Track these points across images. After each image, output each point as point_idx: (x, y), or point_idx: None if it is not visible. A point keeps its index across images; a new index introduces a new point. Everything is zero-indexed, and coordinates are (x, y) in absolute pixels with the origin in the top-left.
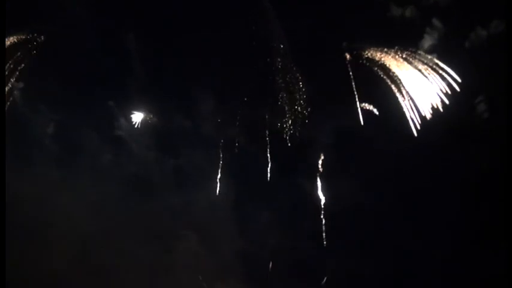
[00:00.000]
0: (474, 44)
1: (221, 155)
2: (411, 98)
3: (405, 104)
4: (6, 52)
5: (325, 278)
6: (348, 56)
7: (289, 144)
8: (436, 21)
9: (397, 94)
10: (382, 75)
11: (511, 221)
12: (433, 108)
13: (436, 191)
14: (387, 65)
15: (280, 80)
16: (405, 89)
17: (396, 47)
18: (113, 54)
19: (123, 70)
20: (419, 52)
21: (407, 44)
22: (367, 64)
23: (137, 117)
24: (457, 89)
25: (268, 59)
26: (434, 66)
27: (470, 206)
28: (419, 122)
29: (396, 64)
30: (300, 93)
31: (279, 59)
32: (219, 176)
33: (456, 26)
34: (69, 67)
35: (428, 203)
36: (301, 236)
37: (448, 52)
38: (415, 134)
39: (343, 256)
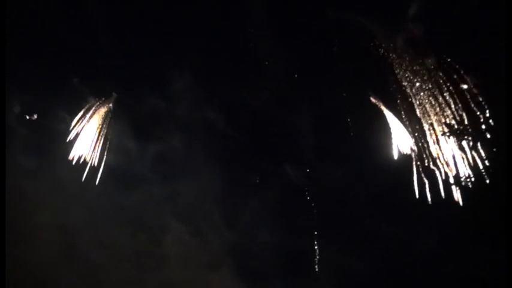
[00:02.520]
0: (464, 8)
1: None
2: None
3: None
4: None
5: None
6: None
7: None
8: None
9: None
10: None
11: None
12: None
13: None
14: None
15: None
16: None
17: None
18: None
19: (90, 46)
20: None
21: (393, 12)
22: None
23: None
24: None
25: (246, 32)
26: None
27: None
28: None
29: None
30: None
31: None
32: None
33: None
34: (34, 43)
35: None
36: (291, 228)
37: (435, 20)
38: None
39: (334, 248)
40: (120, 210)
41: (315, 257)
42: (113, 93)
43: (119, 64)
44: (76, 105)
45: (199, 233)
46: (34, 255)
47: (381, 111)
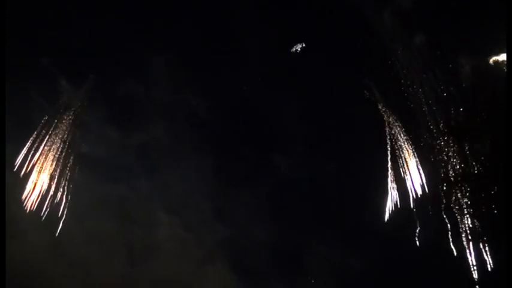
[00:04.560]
0: None
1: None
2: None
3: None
4: None
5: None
6: None
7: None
8: None
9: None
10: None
11: (511, 221)
12: None
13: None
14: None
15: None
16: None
17: None
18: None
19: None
20: None
21: None
22: None
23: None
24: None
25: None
26: None
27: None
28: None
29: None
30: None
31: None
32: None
33: None
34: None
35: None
36: (285, 223)
37: None
38: None
39: (328, 244)
40: (106, 203)
41: (309, 252)
42: (90, 75)
43: (96, 48)
44: (52, 90)
45: (190, 225)
46: (21, 251)
47: (375, 102)
